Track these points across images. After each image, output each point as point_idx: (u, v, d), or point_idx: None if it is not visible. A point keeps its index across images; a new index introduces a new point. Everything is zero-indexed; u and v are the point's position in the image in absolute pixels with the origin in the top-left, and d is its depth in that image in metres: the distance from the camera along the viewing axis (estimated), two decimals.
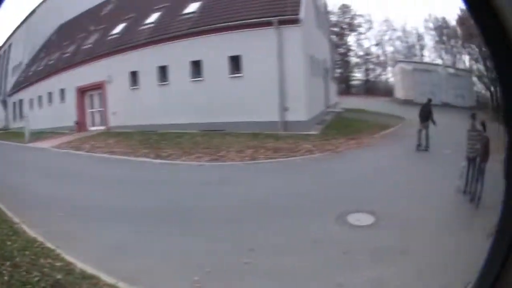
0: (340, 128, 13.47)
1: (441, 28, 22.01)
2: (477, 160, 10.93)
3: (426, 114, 13.09)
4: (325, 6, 18.29)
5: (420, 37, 21.75)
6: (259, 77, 12.65)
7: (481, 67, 20.80)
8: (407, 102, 17.75)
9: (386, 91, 19.73)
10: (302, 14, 13.18)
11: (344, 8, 20.14)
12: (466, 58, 21.29)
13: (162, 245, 8.42)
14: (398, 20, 21.51)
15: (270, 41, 12.52)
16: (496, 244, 1.40)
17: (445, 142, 12.89)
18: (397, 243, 8.13)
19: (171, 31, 13.88)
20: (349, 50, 20.50)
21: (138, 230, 8.95)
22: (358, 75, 20.43)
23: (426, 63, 21.18)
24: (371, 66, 20.54)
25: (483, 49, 19.29)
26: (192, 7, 14.22)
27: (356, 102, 16.89)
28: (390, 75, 20.76)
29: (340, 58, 20.42)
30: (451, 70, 20.67)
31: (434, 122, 13.23)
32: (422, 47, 21.86)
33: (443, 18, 21.52)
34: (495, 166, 10.12)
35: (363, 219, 9.09)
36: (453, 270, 7.08)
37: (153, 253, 8.14)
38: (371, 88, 19.96)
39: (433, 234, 8.63)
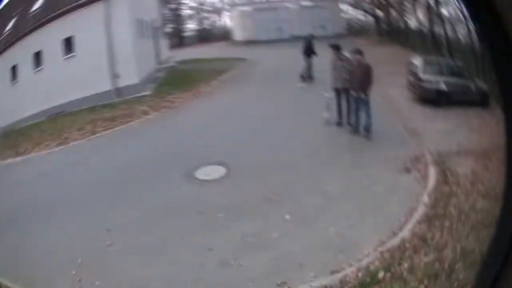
0: (174, 82, 13.22)
1: None
2: (350, 91, 11.02)
3: (306, 50, 13.32)
4: None
5: None
6: (90, 51, 12.76)
7: None
8: (248, 43, 17.33)
9: (224, 36, 18.90)
10: None
11: None
12: None
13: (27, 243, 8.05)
14: None
15: (99, 14, 12.64)
16: (496, 244, 1.42)
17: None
18: (258, 192, 8.32)
19: (20, 31, 13.32)
20: (180, 3, 19.55)
21: None
22: (191, 26, 19.55)
23: (269, 1, 20.16)
24: (205, 15, 19.69)
25: None
26: (38, 4, 13.72)
27: (191, 53, 16.28)
28: (227, 21, 19.68)
29: (171, 13, 19.54)
30: (307, 3, 19.61)
31: (315, 53, 13.44)
32: None
33: None
34: (379, 95, 11.05)
35: (213, 172, 8.89)
36: (338, 209, 7.89)
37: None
38: (207, 36, 19.50)
39: (303, 175, 9.05)
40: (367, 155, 9.82)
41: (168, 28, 18.71)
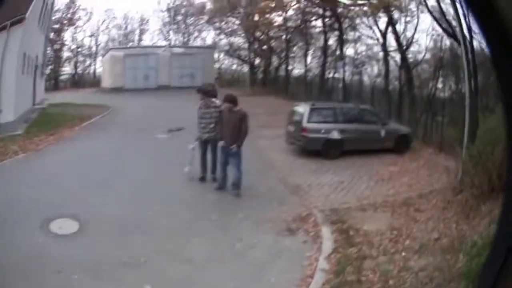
0: (43, 124, 13.29)
1: (177, 7, 22.89)
2: (219, 142, 9.52)
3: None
4: (53, 3, 17.77)
5: (143, 21, 22.46)
6: None
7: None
8: (115, 90, 17.87)
9: (94, 82, 20.26)
10: (28, 13, 13.34)
11: (70, 4, 20.34)
12: (210, 34, 22.84)
13: None
14: (124, 7, 22.69)
15: (2, 44, 12.66)
16: (496, 244, 1.19)
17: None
18: (112, 254, 6.93)
19: None
20: (63, 45, 20.78)
21: None
22: (67, 69, 20.96)
23: (142, 46, 21.33)
24: (81, 59, 21.07)
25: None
26: None
27: (63, 97, 17.04)
28: (99, 66, 21.10)
29: (53, 54, 20.50)
30: (179, 50, 20.67)
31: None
32: (142, 32, 22.58)
33: None
34: (253, 147, 10.48)
35: (67, 226, 7.86)
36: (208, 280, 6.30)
37: None
38: (79, 81, 20.82)
39: (164, 237, 7.50)
40: (238, 215, 8.27)
41: (48, 69, 19.30)
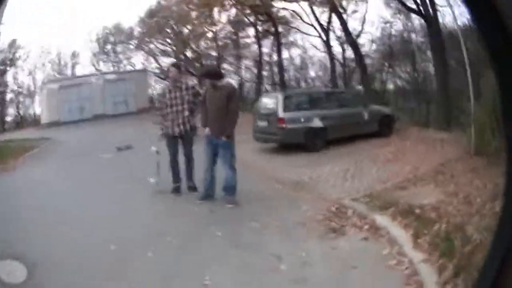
0: None
1: (106, 36, 23.16)
2: (202, 135, 7.19)
3: None
4: None
5: (75, 54, 22.41)
6: None
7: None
8: (52, 124, 17.64)
9: (36, 121, 20.23)
10: None
11: (13, 43, 20.14)
12: (139, 58, 22.84)
13: None
14: (57, 41, 21.43)
15: None
16: (496, 244, 1.15)
17: None
18: None
19: None
20: (6, 86, 20.77)
21: None
22: (11, 111, 21.15)
23: (76, 76, 21.28)
24: (21, 99, 21.09)
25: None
26: None
27: (7, 136, 17.42)
28: (38, 104, 21.07)
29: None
30: (111, 76, 20.39)
31: None
32: (74, 65, 22.54)
33: (117, 25, 23.03)
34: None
35: (15, 270, 5.65)
36: None
37: None
38: (22, 122, 20.98)
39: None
40: (253, 226, 5.90)
41: None
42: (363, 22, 17.12)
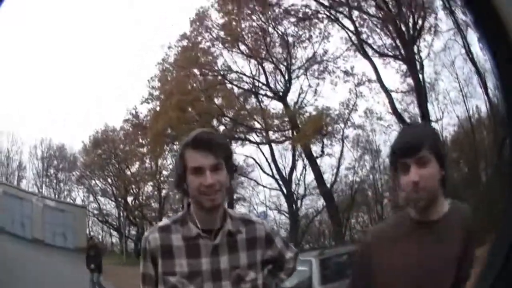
0: None
1: (50, 158, 23.37)
2: None
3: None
4: None
5: (21, 167, 22.78)
6: None
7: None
8: None
9: None
10: None
11: None
12: (79, 194, 23.15)
13: None
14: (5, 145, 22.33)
15: None
16: (496, 244, 1.18)
17: None
18: None
19: None
20: None
21: None
22: None
23: (20, 188, 21.49)
24: None
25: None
26: None
27: None
28: None
29: None
30: (51, 203, 20.63)
31: None
32: (20, 178, 22.91)
33: (60, 147, 23.18)
34: None
35: None
36: None
37: None
38: None
39: None
40: None
41: None
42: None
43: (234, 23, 18.69)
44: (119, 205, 22.44)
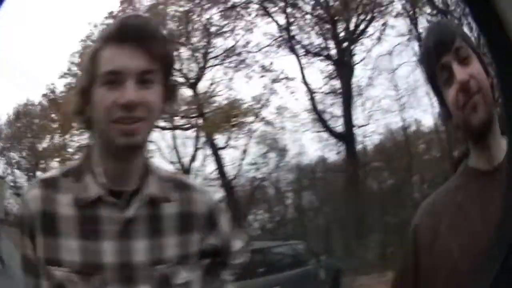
0: None
1: None
2: None
3: None
4: None
5: None
6: None
7: None
8: None
9: None
10: None
11: None
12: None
13: None
14: None
15: None
16: (496, 244, 1.10)
17: None
18: None
19: None
20: None
21: None
22: None
23: None
24: None
25: None
26: None
27: None
28: None
29: None
30: None
31: None
32: None
33: None
34: None
35: None
36: None
37: None
38: None
39: None
40: None
41: None
42: None
43: (161, 6, 18.35)
44: (30, 179, 22.12)
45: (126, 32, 1.14)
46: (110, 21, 18.30)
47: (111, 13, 18.60)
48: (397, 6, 16.84)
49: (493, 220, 1.16)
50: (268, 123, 18.88)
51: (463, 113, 1.28)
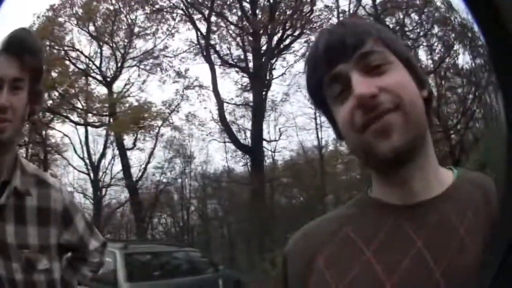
0: None
1: None
2: None
3: None
4: None
5: None
6: None
7: None
8: None
9: None
10: None
11: None
12: None
13: None
14: None
15: None
16: (496, 244, 1.05)
17: None
18: None
19: None
20: None
21: None
22: None
23: None
24: None
25: None
26: None
27: None
28: None
29: None
30: None
31: None
32: None
33: None
34: None
35: None
36: None
37: None
38: None
39: None
40: None
41: None
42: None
43: (95, 3, 18.35)
44: None
45: (9, 44, 1.33)
46: (50, 13, 18.68)
47: (52, 5, 18.62)
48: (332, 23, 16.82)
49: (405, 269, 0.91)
50: (176, 128, 18.91)
51: (362, 138, 0.93)
